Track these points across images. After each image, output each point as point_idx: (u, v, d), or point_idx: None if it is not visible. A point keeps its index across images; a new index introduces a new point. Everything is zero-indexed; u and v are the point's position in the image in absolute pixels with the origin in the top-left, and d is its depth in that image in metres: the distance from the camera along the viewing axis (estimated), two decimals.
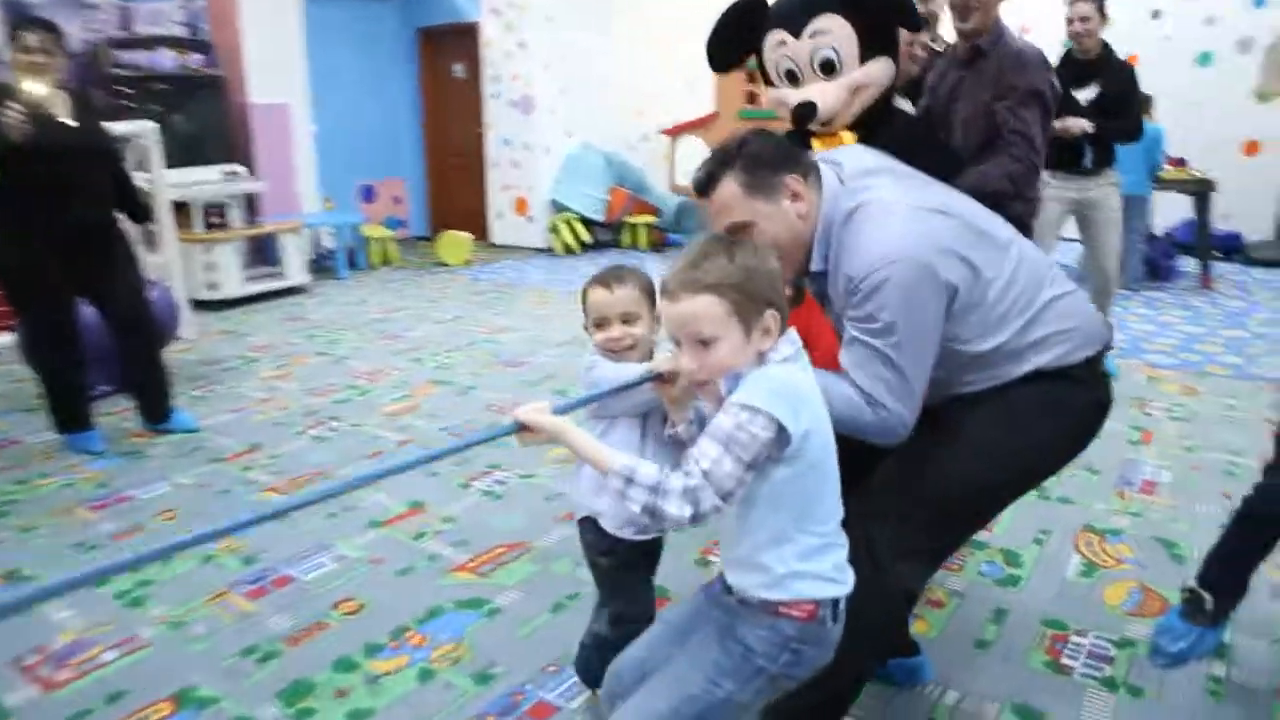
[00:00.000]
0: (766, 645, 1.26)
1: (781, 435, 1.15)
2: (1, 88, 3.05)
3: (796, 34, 1.91)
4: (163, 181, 4.90)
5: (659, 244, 8.14)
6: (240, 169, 6.46)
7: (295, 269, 6.29)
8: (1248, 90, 7.07)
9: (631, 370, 1.47)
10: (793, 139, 2.13)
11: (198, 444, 3.42)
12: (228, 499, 2.95)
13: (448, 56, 8.47)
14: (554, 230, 7.92)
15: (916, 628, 2.11)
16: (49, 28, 3.15)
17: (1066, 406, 1.58)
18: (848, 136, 1.99)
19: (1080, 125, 3.76)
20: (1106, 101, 3.86)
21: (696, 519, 1.15)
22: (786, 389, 1.18)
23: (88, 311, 3.38)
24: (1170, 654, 1.97)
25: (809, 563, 1.24)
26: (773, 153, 1.48)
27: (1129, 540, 2.55)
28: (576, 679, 1.93)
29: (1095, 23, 3.83)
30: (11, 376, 4.24)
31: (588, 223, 7.98)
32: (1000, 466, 1.57)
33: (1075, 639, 2.09)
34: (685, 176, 8.68)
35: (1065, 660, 2.01)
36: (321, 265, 7.14)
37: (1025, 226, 2.55)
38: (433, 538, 2.65)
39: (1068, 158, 3.82)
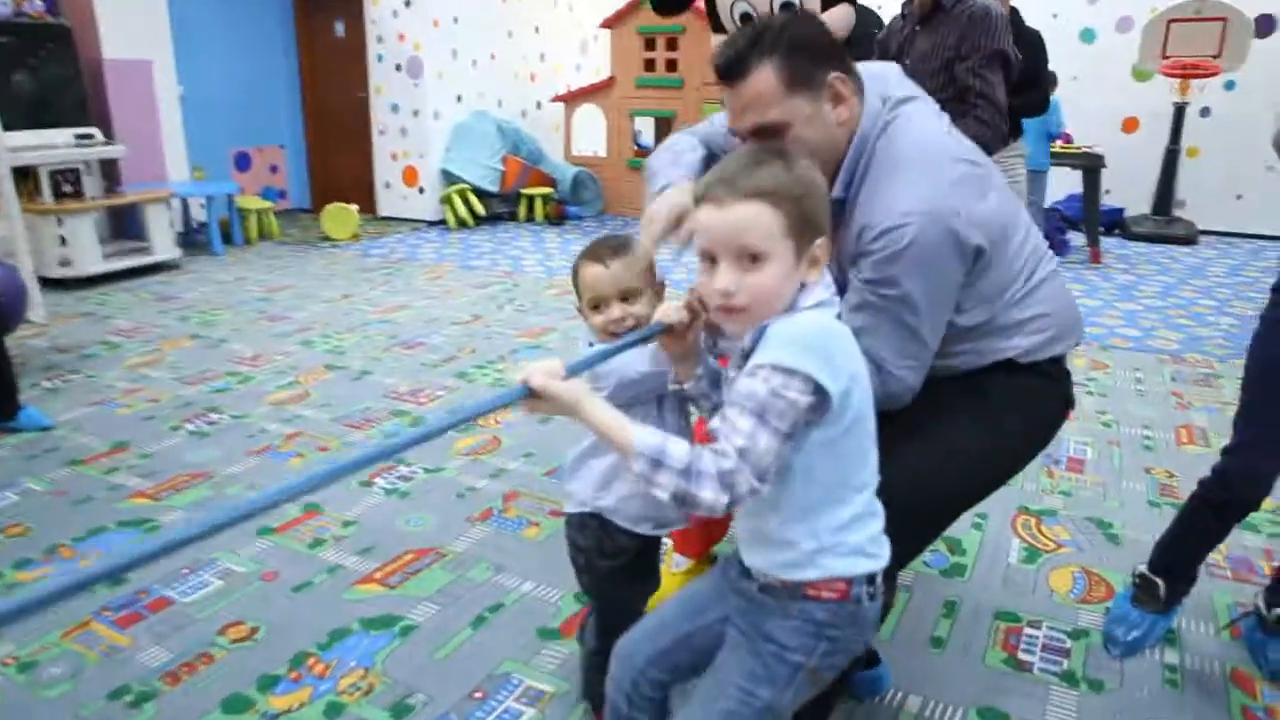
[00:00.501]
0: (799, 638, 1.10)
1: (821, 397, 0.99)
2: None
3: None
4: (1, 144, 4.33)
5: (557, 217, 7.86)
6: (95, 132, 5.84)
7: (163, 243, 5.74)
8: (1127, 68, 7.32)
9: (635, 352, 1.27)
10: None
11: (52, 443, 3.00)
12: (89, 508, 2.57)
13: (328, 14, 7.90)
14: (446, 202, 7.53)
15: None
16: None
17: (1040, 406, 1.53)
18: None
19: None
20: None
21: (732, 505, 0.98)
22: (821, 340, 1.01)
23: None
24: (1125, 643, 1.92)
25: (843, 535, 1.08)
26: (820, 41, 1.27)
27: (1064, 521, 2.51)
28: (506, 707, 1.72)
29: None
30: None
31: (481, 194, 7.63)
32: (976, 474, 1.51)
33: (1029, 631, 2.01)
34: (582, 146, 8.42)
35: (1023, 655, 1.93)
36: (193, 240, 6.57)
37: None
38: (332, 545, 2.37)
39: None
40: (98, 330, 4.40)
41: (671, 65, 7.66)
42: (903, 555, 1.57)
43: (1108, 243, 6.85)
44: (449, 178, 7.63)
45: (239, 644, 1.95)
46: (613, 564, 1.49)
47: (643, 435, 0.99)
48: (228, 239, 6.65)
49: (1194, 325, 4.59)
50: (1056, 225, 6.52)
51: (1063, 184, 7.09)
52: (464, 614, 2.07)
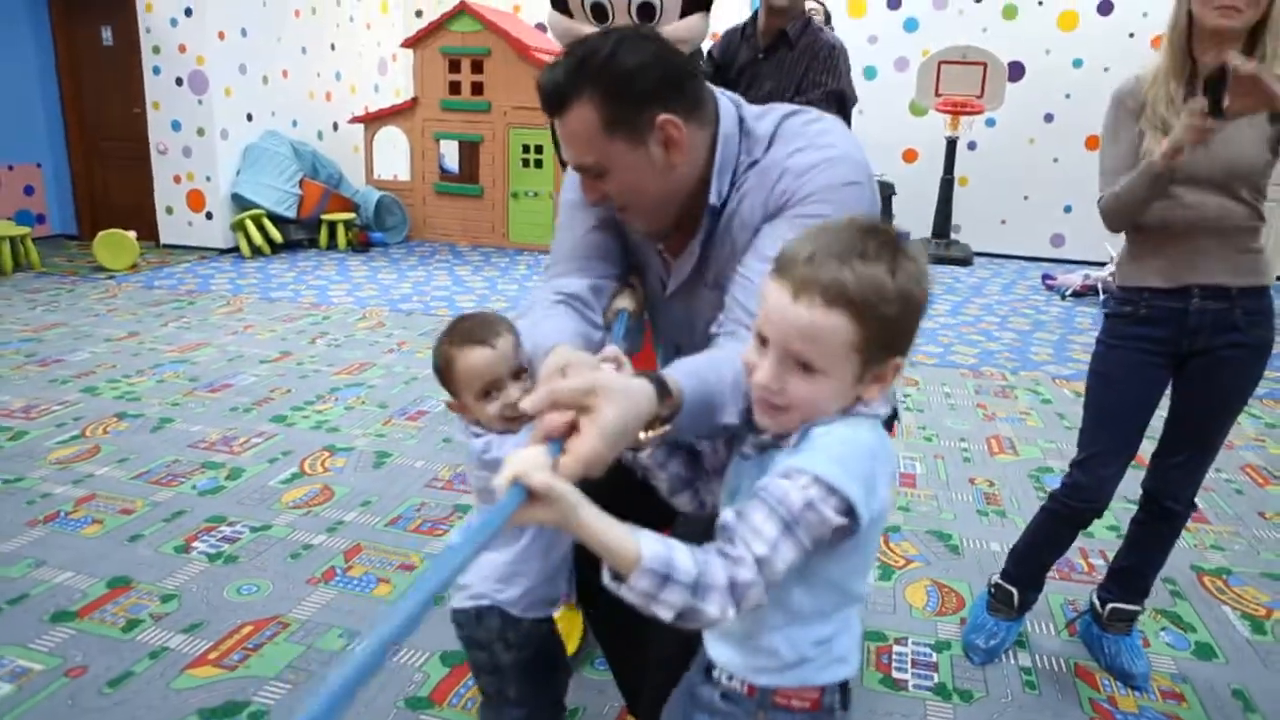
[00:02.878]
0: None
1: (851, 520, 0.87)
2: None
3: None
4: None
5: (361, 244, 7.49)
6: None
7: None
8: (906, 104, 7.98)
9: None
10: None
11: None
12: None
13: (92, 19, 7.13)
14: (239, 228, 6.97)
15: None
16: None
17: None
18: None
19: None
20: None
21: (732, 617, 0.85)
22: (869, 463, 0.89)
23: None
24: (985, 650, 2.02)
25: (826, 646, 0.97)
26: (647, 75, 1.12)
27: (909, 537, 2.63)
28: None
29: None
30: None
31: (277, 220, 7.13)
32: None
33: (898, 648, 2.08)
34: (384, 170, 8.09)
35: (896, 674, 1.98)
36: None
37: None
38: (152, 626, 2.07)
39: None
40: None
41: (478, 88, 7.52)
42: None
43: None
44: (241, 202, 7.08)
45: None
46: (520, 654, 1.34)
47: (650, 546, 0.82)
48: None
49: (984, 340, 5.02)
50: None
51: None
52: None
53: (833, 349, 0.86)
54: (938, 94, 7.30)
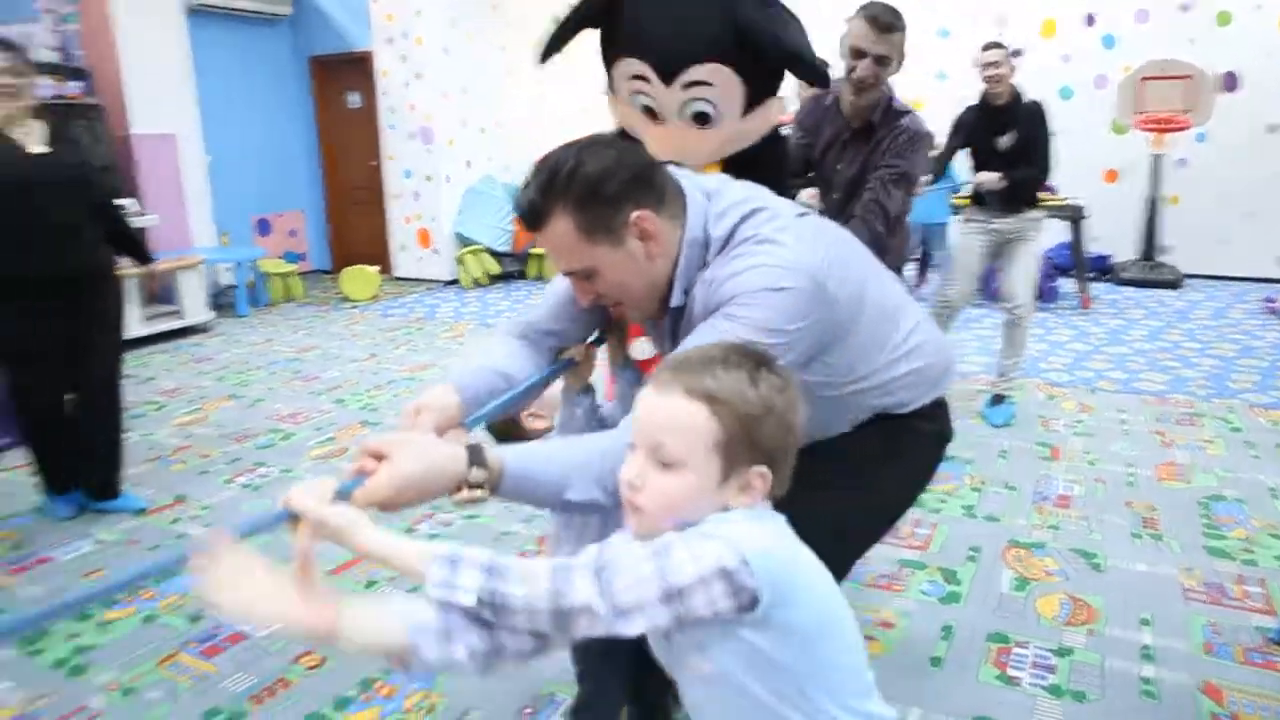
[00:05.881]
0: None
1: (738, 585, 0.84)
2: None
3: (666, 78, 1.67)
4: None
5: None
6: (130, 203, 6.17)
7: (194, 307, 6.04)
8: (1106, 123, 7.69)
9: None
10: None
11: None
12: (159, 554, 2.82)
13: (341, 85, 8.32)
14: (461, 263, 7.87)
15: (871, 650, 2.21)
16: (10, 47, 2.83)
17: (911, 452, 1.50)
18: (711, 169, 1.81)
19: (991, 181, 3.86)
20: (1021, 145, 3.91)
21: (558, 617, 0.85)
22: (756, 540, 0.88)
23: None
24: None
25: None
26: (614, 179, 1.20)
27: (1052, 553, 2.74)
28: None
29: (1005, 68, 3.86)
30: None
31: (494, 254, 7.97)
32: (852, 531, 1.47)
33: (1018, 650, 2.24)
34: None
35: (1013, 672, 2.15)
36: (220, 303, 6.88)
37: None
38: (385, 586, 2.61)
39: (988, 198, 3.96)
40: (142, 392, 4.67)
41: None
42: None
43: (1097, 288, 7.14)
44: (462, 239, 7.97)
45: (312, 671, 2.18)
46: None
47: (438, 548, 0.89)
48: (253, 301, 6.96)
49: (1179, 367, 4.84)
50: (1045, 273, 6.83)
51: (1052, 233, 7.42)
52: None
53: (691, 442, 0.89)
54: (1138, 111, 7.01)
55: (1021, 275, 3.96)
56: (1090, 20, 7.73)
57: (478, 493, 1.10)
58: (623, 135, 1.86)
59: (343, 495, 1.01)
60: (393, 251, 8.34)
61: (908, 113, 2.65)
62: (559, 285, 1.47)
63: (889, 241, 2.63)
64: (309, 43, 8.35)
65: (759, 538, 0.88)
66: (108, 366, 3.12)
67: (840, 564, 1.42)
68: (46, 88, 5.98)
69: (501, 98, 8.45)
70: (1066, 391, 4.41)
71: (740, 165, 1.88)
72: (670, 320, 1.35)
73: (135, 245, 3.31)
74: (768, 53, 1.65)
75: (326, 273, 8.65)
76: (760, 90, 1.69)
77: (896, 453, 1.46)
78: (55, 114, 5.74)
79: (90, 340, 3.02)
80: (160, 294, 6.20)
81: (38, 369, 2.92)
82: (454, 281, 8.04)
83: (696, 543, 0.86)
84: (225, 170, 7.43)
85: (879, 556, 2.67)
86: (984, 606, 2.44)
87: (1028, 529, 2.91)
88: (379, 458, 1.07)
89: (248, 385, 4.76)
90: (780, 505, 1.41)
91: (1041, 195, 6.70)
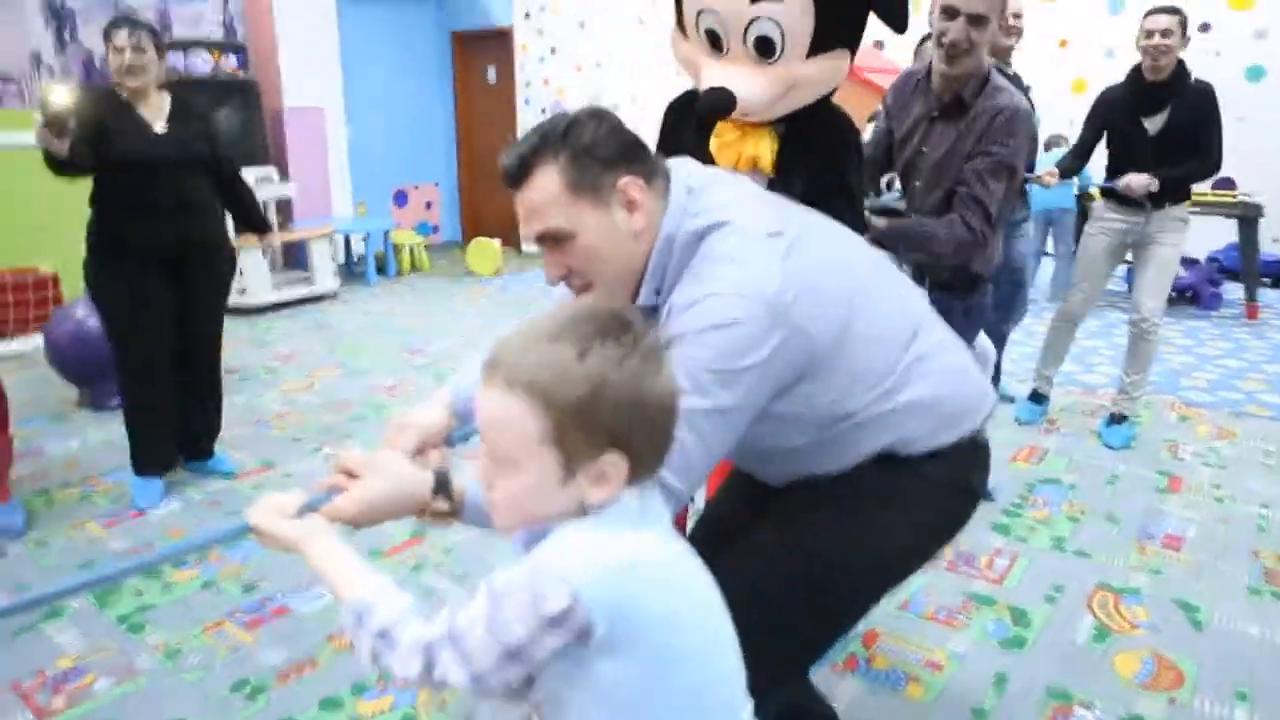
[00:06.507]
0: None
1: (570, 626, 0.80)
2: (46, 102, 2.67)
3: None
4: None
5: None
6: (273, 173, 6.54)
7: (325, 276, 6.34)
8: None
9: None
10: (693, 121, 1.83)
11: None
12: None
13: (481, 60, 8.48)
14: None
15: (910, 693, 2.05)
16: (138, 24, 2.91)
17: (915, 503, 1.32)
18: (763, 141, 1.74)
19: (1143, 185, 3.34)
20: (1175, 131, 3.38)
21: (434, 684, 0.85)
22: (592, 566, 0.81)
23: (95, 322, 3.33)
24: None
25: None
26: (610, 142, 1.18)
27: (1146, 602, 2.45)
28: None
29: (1175, 39, 3.26)
30: (36, 382, 4.31)
31: None
32: (827, 584, 1.32)
33: (1080, 711, 2.01)
34: None
35: None
36: (351, 271, 7.20)
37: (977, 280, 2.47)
38: (431, 571, 2.63)
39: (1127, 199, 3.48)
40: (262, 356, 4.94)
41: None
42: (796, 666, 1.45)
43: (1272, 296, 6.40)
44: None
45: (339, 654, 2.22)
46: None
47: (362, 588, 0.90)
48: (382, 270, 7.25)
49: None
50: (1209, 277, 6.17)
51: (1221, 233, 6.68)
52: None
53: (516, 439, 0.82)
54: None
55: (1152, 282, 3.50)
56: None
57: (446, 519, 1.16)
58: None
59: (311, 509, 1.07)
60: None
61: (1006, 90, 2.33)
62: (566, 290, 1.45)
63: (993, 242, 2.38)
64: (452, 18, 8.55)
65: (597, 561, 0.81)
66: (210, 335, 3.27)
67: (815, 618, 1.35)
68: (206, 63, 6.42)
69: (636, 72, 8.39)
70: (1204, 413, 3.96)
71: (797, 143, 1.77)
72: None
73: (254, 216, 3.42)
74: None
75: (459, 245, 8.91)
76: (831, 27, 1.58)
77: (893, 500, 1.31)
78: (212, 89, 6.23)
79: (196, 309, 3.16)
80: (295, 260, 6.56)
81: (145, 336, 3.07)
82: None
83: (524, 587, 0.80)
84: (366, 142, 7.75)
85: (946, 587, 2.48)
86: (1051, 656, 2.21)
87: (1124, 570, 2.62)
88: (353, 475, 1.11)
89: (358, 354, 4.95)
90: (747, 544, 1.34)
91: (1211, 192, 6.11)
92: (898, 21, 1.64)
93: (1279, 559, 2.69)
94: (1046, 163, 4.01)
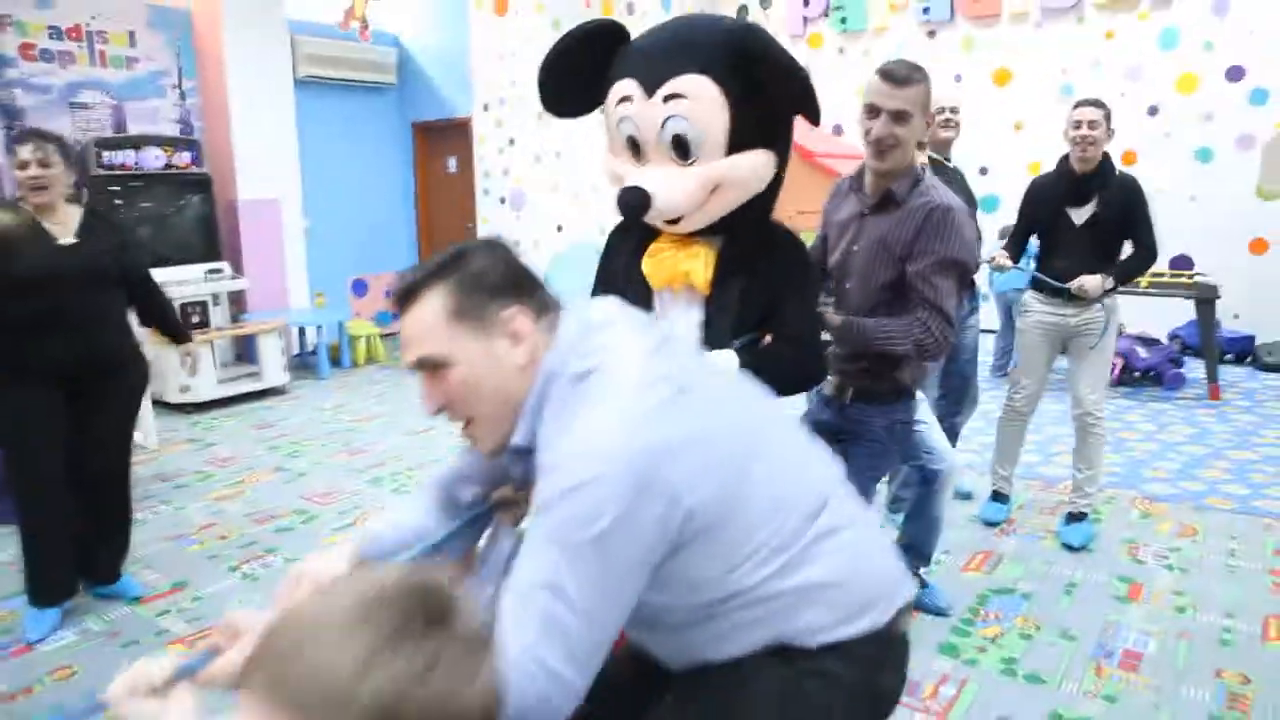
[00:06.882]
0: None
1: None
2: None
3: (649, 90, 1.57)
4: None
5: None
6: (224, 266, 6.44)
7: (273, 370, 6.17)
8: (1250, 187, 6.91)
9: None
10: (634, 232, 1.81)
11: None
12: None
13: (442, 150, 8.50)
14: None
15: None
16: (46, 138, 2.86)
17: (811, 706, 1.15)
18: (697, 257, 1.69)
19: (1096, 287, 3.29)
20: (1103, 223, 3.38)
21: None
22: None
23: None
24: None
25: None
26: (500, 272, 1.15)
27: None
28: None
29: (1101, 131, 3.31)
30: None
31: None
32: None
33: None
34: None
35: None
36: (305, 362, 7.04)
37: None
38: None
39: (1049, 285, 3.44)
40: (197, 459, 4.74)
41: None
42: None
43: (1235, 374, 6.36)
44: None
45: None
46: None
47: None
48: (337, 362, 7.10)
49: None
50: (1170, 355, 6.12)
51: (1181, 309, 6.68)
52: None
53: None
54: None
55: (1088, 375, 3.42)
56: (1236, 74, 7.00)
57: None
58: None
59: (186, 673, 0.99)
60: None
61: (939, 188, 2.27)
62: None
63: (951, 341, 2.26)
64: (414, 109, 8.60)
65: None
66: (118, 452, 3.08)
67: None
68: (159, 159, 6.36)
69: (596, 163, 8.42)
70: (1167, 508, 3.82)
71: (735, 259, 1.70)
72: (511, 462, 1.20)
73: (170, 325, 3.31)
74: (758, 61, 1.51)
75: None
76: (747, 124, 1.56)
77: (790, 702, 1.14)
78: (164, 183, 6.15)
79: (102, 428, 2.99)
80: (246, 355, 6.40)
81: (43, 457, 2.88)
82: None
83: None
84: (325, 232, 7.68)
85: None
86: None
87: (1076, 697, 2.44)
88: (235, 636, 1.08)
89: (297, 456, 4.77)
90: None
91: (1168, 272, 6.11)
92: (812, 114, 1.61)
93: (1242, 679, 2.53)
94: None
